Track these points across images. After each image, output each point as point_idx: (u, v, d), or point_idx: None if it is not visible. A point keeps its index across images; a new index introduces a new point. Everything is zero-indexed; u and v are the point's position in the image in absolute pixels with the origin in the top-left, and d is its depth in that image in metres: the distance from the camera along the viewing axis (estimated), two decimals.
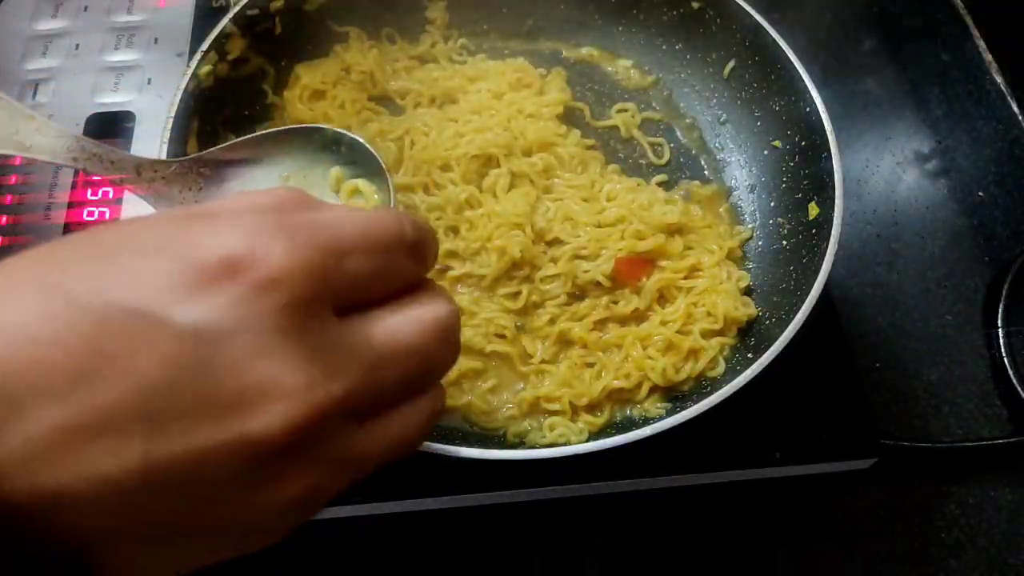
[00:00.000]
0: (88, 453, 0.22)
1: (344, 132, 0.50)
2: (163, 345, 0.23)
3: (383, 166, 0.49)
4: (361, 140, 0.50)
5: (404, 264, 0.30)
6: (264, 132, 0.51)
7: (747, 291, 0.64)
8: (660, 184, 0.70)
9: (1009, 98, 0.87)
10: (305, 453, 0.26)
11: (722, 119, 0.74)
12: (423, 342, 0.30)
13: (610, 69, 0.77)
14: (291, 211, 0.28)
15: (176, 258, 0.25)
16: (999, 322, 0.72)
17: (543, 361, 0.60)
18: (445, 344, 0.31)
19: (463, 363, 0.58)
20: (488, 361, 0.60)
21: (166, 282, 0.24)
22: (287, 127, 0.51)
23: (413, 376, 0.30)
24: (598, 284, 0.61)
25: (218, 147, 0.49)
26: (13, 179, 0.65)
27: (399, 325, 0.29)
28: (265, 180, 0.49)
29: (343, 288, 0.28)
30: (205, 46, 0.61)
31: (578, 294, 0.62)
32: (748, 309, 0.61)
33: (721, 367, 0.60)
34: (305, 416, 0.25)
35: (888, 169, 0.84)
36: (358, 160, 0.50)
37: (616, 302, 0.62)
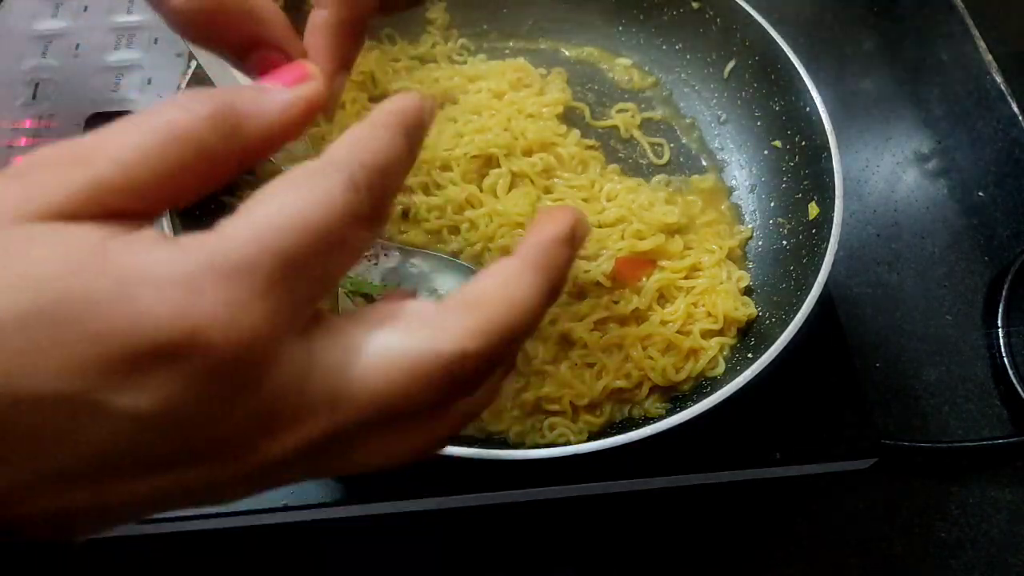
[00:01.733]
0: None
1: None
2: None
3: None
4: None
5: (358, 237, 0.26)
6: (436, 254, 0.60)
7: (747, 291, 0.64)
8: (660, 184, 0.70)
9: (1009, 98, 0.87)
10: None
11: (722, 119, 0.74)
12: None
13: (610, 69, 0.77)
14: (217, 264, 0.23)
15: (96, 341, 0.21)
16: (999, 322, 0.72)
17: (544, 362, 0.60)
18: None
19: None
20: None
21: (92, 367, 0.21)
22: (455, 260, 0.60)
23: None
24: (598, 284, 0.61)
25: (405, 246, 0.60)
26: None
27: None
28: (416, 283, 0.59)
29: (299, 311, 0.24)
30: None
31: (579, 294, 0.62)
32: (748, 309, 0.62)
33: (721, 367, 0.60)
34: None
35: (888, 169, 0.84)
36: None
37: (616, 302, 0.62)
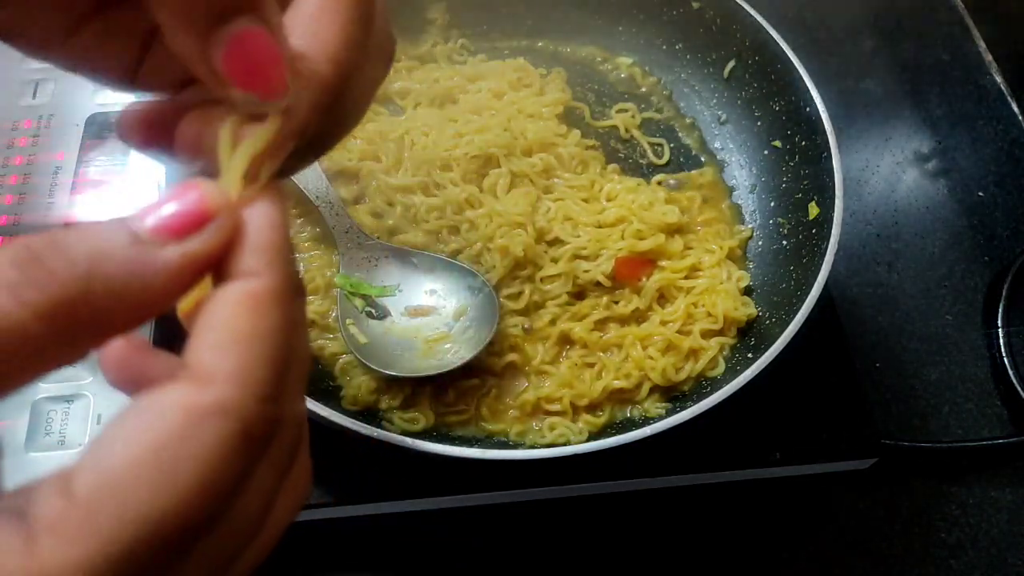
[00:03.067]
0: None
1: (488, 286, 0.59)
2: None
3: (495, 315, 0.58)
4: (493, 293, 0.59)
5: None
6: (437, 256, 0.61)
7: (747, 291, 0.64)
8: (660, 184, 0.70)
9: (1009, 98, 0.87)
10: None
11: (722, 119, 0.74)
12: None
13: (610, 69, 0.77)
14: None
15: None
16: (999, 322, 0.72)
17: (544, 362, 0.60)
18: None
19: (464, 383, 0.58)
20: (492, 374, 0.59)
21: None
22: (455, 262, 0.60)
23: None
24: (598, 284, 0.61)
25: (405, 248, 0.61)
26: (13, 179, 0.65)
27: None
28: (416, 284, 0.60)
29: None
30: None
31: (578, 294, 0.62)
32: (748, 309, 0.62)
33: (721, 367, 0.60)
34: None
35: (888, 169, 0.84)
36: (485, 307, 0.59)
37: (616, 302, 0.62)
